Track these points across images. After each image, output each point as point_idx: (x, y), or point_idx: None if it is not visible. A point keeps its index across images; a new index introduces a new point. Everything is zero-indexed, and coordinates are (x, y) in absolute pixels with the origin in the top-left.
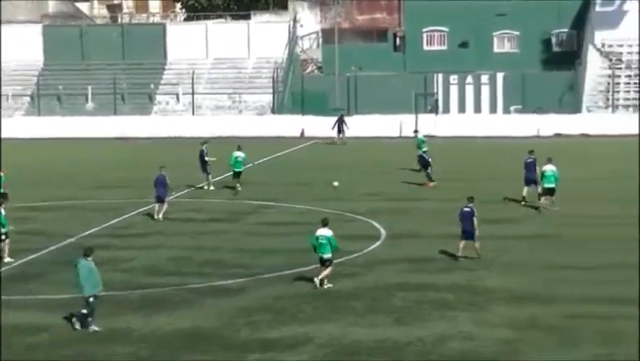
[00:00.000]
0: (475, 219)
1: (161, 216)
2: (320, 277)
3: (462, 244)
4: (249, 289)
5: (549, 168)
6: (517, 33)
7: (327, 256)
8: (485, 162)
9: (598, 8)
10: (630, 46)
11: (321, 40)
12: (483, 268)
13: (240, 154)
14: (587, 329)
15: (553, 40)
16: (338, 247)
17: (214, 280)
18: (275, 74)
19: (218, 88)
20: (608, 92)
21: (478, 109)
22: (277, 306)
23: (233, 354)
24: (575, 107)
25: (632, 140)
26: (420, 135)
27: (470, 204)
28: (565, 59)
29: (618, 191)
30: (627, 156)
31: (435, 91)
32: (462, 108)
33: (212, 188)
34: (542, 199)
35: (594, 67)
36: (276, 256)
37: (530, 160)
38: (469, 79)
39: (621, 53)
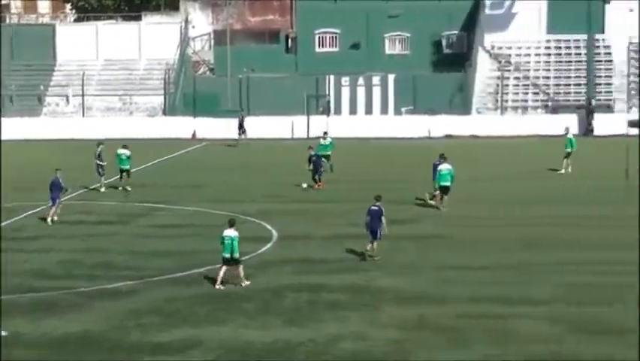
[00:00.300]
0: (383, 218)
1: (55, 218)
2: (221, 276)
3: (374, 244)
4: (139, 291)
5: (445, 167)
6: (408, 35)
7: (229, 255)
8: (377, 163)
9: (487, 11)
10: (519, 48)
11: (213, 42)
12: (375, 268)
13: (124, 152)
14: (478, 328)
15: (444, 42)
16: (238, 252)
17: (104, 283)
18: (166, 76)
19: (109, 89)
20: (497, 93)
21: (369, 110)
22: (167, 309)
23: (122, 357)
24: (465, 109)
25: (520, 141)
26: (327, 139)
27: (378, 203)
28: (455, 60)
29: (506, 192)
30: (515, 158)
31: (327, 92)
32: (353, 110)
33: (103, 190)
34: (433, 198)
35: (484, 69)
36: (167, 259)
37: (438, 163)
38: (361, 80)
39: (510, 55)
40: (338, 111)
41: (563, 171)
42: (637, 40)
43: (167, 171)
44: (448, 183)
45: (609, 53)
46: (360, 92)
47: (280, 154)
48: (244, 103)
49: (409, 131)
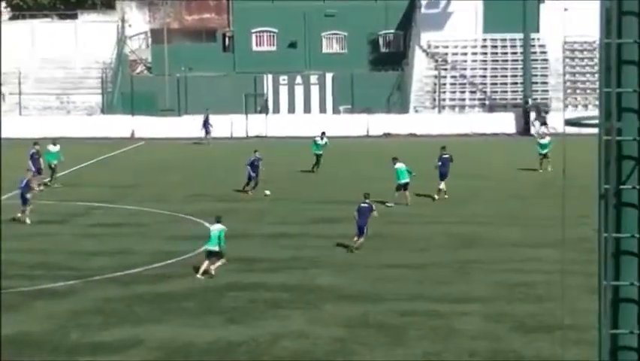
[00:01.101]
0: (375, 212)
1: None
2: (204, 268)
3: (360, 239)
4: (78, 291)
5: (400, 166)
6: (345, 34)
7: (213, 248)
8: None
9: (423, 10)
10: (455, 47)
11: (150, 41)
12: (315, 266)
13: (53, 148)
14: (418, 326)
15: (381, 41)
16: (224, 246)
17: (44, 283)
18: (104, 75)
19: (46, 88)
20: (435, 92)
21: (307, 109)
22: (107, 308)
23: (62, 358)
24: (403, 107)
25: (457, 140)
26: (324, 140)
27: (367, 201)
28: (392, 59)
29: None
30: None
31: (265, 91)
32: (292, 108)
33: (41, 188)
34: (397, 194)
35: (420, 67)
36: (106, 258)
37: (446, 156)
38: (299, 79)
39: (446, 54)
40: (276, 110)
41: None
42: (572, 40)
43: (105, 170)
44: (407, 180)
45: (545, 52)
46: (299, 90)
47: (219, 153)
48: (182, 102)
49: (348, 129)
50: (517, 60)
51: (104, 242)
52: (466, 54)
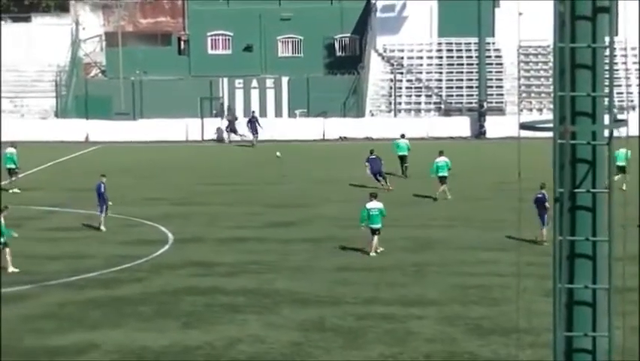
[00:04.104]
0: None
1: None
2: (373, 247)
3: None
4: (33, 296)
5: (442, 160)
6: (300, 37)
7: (378, 226)
8: (271, 166)
9: (379, 14)
10: (411, 51)
11: (104, 44)
12: (270, 271)
13: (11, 150)
14: (374, 329)
15: (336, 44)
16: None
17: None
18: (58, 78)
19: None
20: (390, 96)
21: (263, 113)
22: (62, 313)
23: None
24: (359, 111)
25: (413, 143)
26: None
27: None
28: (348, 63)
29: (401, 193)
30: (410, 159)
31: (220, 95)
32: (247, 112)
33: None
34: (440, 189)
35: (376, 71)
36: (61, 263)
37: (373, 157)
38: (255, 83)
39: (402, 58)
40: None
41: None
42: (526, 44)
43: (60, 174)
44: (445, 173)
45: (499, 56)
46: (254, 94)
47: (174, 157)
48: (137, 106)
49: (304, 133)
50: (472, 64)
51: (59, 246)
52: (421, 58)
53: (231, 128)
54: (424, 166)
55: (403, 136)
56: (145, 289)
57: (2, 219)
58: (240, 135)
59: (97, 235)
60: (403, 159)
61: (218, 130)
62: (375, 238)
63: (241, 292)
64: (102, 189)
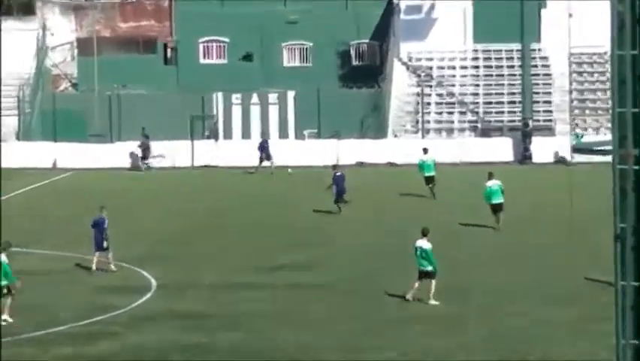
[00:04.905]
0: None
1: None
2: (414, 290)
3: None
4: None
5: (495, 183)
6: (310, 44)
7: (428, 269)
8: (266, 197)
9: (403, 16)
10: (441, 59)
11: (76, 52)
12: (277, 322)
13: None
14: None
15: (352, 52)
16: (436, 268)
17: None
18: (20, 93)
19: None
20: (417, 113)
21: (265, 134)
22: None
23: None
24: (380, 132)
25: (444, 169)
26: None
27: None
28: (366, 74)
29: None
30: (443, 188)
31: (214, 113)
32: (247, 133)
33: None
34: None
35: (401, 84)
36: (21, 314)
37: (339, 174)
38: (255, 98)
39: (431, 68)
40: (228, 135)
41: None
42: (578, 51)
43: (20, 209)
44: (500, 200)
45: (547, 65)
46: (255, 111)
47: (158, 186)
48: (114, 125)
49: (314, 158)
50: (514, 75)
51: (19, 295)
52: (454, 68)
53: (144, 155)
54: (457, 195)
55: (425, 151)
56: (121, 346)
57: (5, 258)
58: (146, 164)
59: (65, 280)
60: (429, 179)
61: (132, 155)
62: (433, 282)
63: (235, 349)
64: (105, 225)
